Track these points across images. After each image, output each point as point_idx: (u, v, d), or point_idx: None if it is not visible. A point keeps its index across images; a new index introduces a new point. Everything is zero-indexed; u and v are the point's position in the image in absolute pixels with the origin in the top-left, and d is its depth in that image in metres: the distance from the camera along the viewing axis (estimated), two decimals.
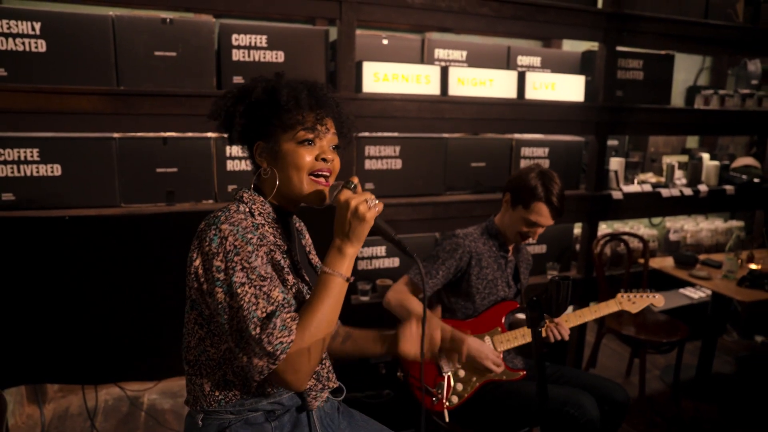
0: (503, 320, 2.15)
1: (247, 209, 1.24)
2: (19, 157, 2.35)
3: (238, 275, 1.10)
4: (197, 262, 1.14)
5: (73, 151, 2.41)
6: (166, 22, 2.47)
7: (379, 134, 2.88)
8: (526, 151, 3.16)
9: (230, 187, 2.67)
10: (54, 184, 2.40)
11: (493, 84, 2.96)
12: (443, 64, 3.00)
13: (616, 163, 3.38)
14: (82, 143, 2.42)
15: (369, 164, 2.87)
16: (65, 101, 2.29)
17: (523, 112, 3.01)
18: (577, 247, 3.45)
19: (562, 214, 2.06)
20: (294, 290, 1.23)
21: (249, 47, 2.61)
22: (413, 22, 2.75)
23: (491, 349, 2.06)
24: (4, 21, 2.25)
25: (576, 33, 3.11)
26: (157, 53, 2.48)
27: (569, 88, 3.12)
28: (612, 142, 3.66)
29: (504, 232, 2.17)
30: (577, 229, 3.52)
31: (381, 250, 2.99)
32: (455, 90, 2.91)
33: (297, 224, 1.48)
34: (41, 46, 2.32)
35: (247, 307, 1.09)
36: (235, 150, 2.67)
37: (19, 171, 2.36)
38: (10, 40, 2.27)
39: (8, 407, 2.66)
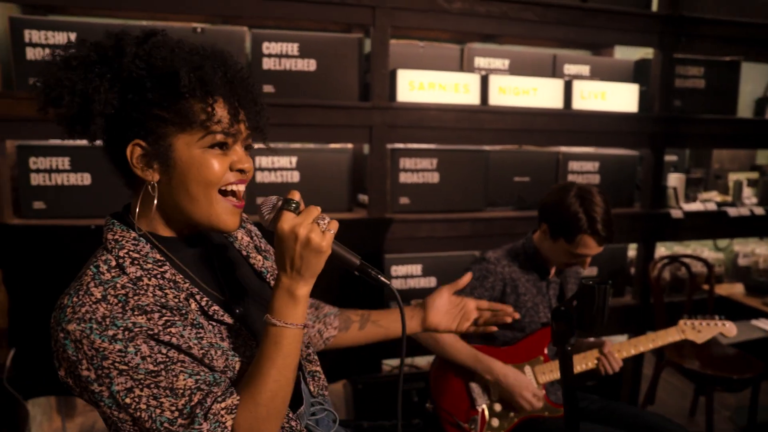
0: (546, 348, 1.92)
1: (113, 264, 0.90)
2: (50, 166, 2.35)
3: (117, 381, 0.82)
4: (62, 372, 0.87)
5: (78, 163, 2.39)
6: (197, 31, 2.44)
7: (415, 146, 2.75)
8: (573, 165, 2.94)
9: (258, 199, 2.59)
10: (83, 194, 2.38)
11: (537, 93, 2.78)
12: (483, 73, 2.84)
13: (675, 180, 3.10)
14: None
15: (404, 177, 2.73)
16: None
17: (569, 123, 2.81)
18: (632, 270, 3.16)
19: (611, 240, 1.80)
20: (212, 352, 0.91)
21: (280, 55, 2.54)
22: (450, 28, 2.62)
23: (530, 381, 1.83)
24: (45, 32, 2.27)
25: (628, 38, 2.89)
26: None
27: (621, 98, 2.90)
28: (670, 158, 3.38)
29: (545, 255, 1.92)
30: (632, 251, 3.24)
31: (416, 269, 2.81)
32: (496, 99, 2.74)
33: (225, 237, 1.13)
34: None
35: (148, 414, 0.83)
36: (265, 161, 2.59)
37: (50, 180, 2.35)
38: (46, 50, 2.29)
39: (36, 419, 2.62)
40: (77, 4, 2.36)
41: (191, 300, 0.94)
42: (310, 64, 2.58)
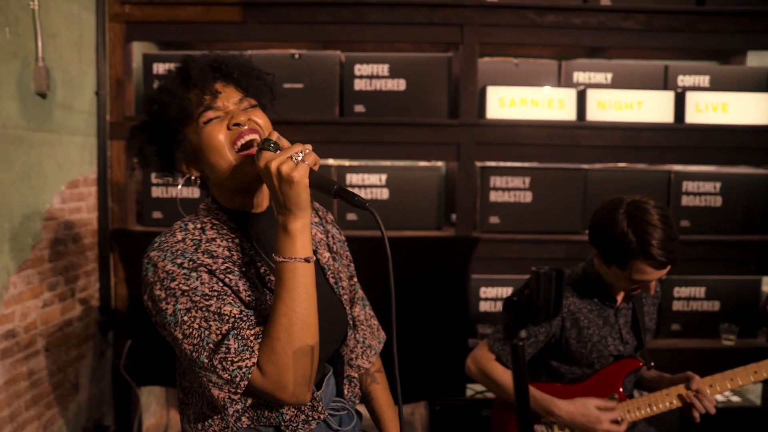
0: (621, 384, 1.72)
1: (198, 225, 1.06)
2: (167, 181, 2.65)
3: (180, 301, 0.96)
4: (145, 296, 1.02)
5: None
6: (295, 57, 2.63)
7: (508, 164, 2.67)
8: (689, 185, 2.64)
9: (348, 216, 2.68)
10: (193, 205, 2.64)
11: (642, 107, 2.56)
12: (581, 88, 2.69)
13: None
14: None
15: (494, 196, 2.65)
16: None
17: (681, 139, 2.54)
18: None
19: (675, 261, 1.53)
20: (258, 303, 1.02)
21: (371, 77, 2.64)
22: (543, 42, 2.53)
23: (599, 412, 1.64)
24: (167, 64, 2.60)
25: (753, 42, 2.56)
26: (286, 85, 2.63)
27: (746, 109, 2.56)
28: None
29: (608, 280, 1.69)
30: (766, 286, 2.80)
31: (507, 291, 2.70)
32: (594, 115, 2.58)
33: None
34: None
35: (198, 333, 0.94)
36: (356, 178, 2.68)
37: (167, 193, 2.65)
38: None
39: (149, 407, 2.92)
40: (199, 39, 2.67)
41: (251, 265, 1.06)
42: (399, 84, 2.64)
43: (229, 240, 1.05)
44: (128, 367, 2.52)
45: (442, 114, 2.64)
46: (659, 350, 2.50)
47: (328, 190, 0.94)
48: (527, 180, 2.64)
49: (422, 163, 2.74)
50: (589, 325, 1.70)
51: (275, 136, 0.99)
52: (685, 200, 2.64)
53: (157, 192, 2.63)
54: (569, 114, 2.58)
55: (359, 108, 2.65)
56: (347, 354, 1.22)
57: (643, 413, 1.67)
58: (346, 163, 2.74)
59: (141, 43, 2.76)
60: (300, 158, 0.93)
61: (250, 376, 0.93)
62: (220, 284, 0.99)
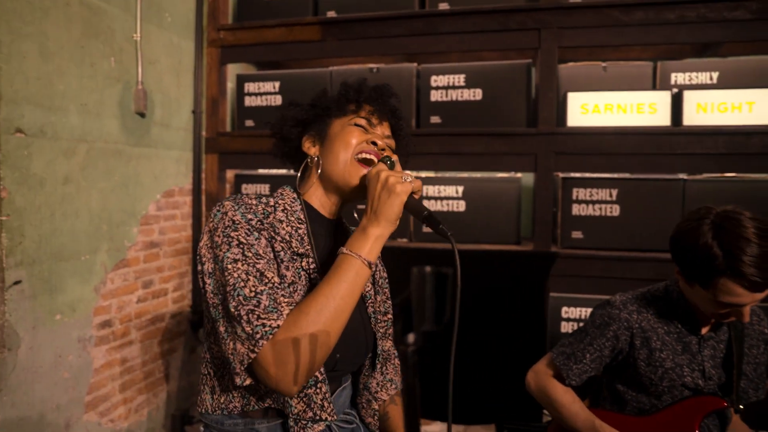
0: (698, 426, 1.49)
1: (272, 203, 1.10)
2: (261, 190, 2.85)
3: (233, 251, 0.98)
4: (202, 241, 1.04)
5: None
6: (373, 71, 2.69)
7: (593, 175, 2.48)
8: None
9: (425, 228, 2.66)
10: None
11: (753, 108, 2.23)
12: (676, 90, 2.42)
13: None
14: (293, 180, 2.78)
15: (577, 209, 2.48)
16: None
17: None
18: None
19: None
20: (294, 288, 1.03)
21: (447, 87, 2.62)
22: (630, 42, 2.32)
23: None
24: (258, 83, 2.81)
25: None
26: None
27: None
28: None
29: (693, 303, 1.48)
30: None
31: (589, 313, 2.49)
32: (693, 119, 2.30)
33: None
34: (278, 100, 2.80)
35: (234, 282, 0.95)
36: (432, 190, 2.66)
37: None
38: (259, 97, 2.82)
39: None
40: (285, 58, 2.84)
41: (304, 257, 1.08)
42: (476, 94, 2.59)
43: (293, 228, 1.09)
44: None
45: (520, 123, 2.53)
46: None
47: (418, 213, 1.01)
48: (614, 192, 2.43)
49: (501, 175, 2.64)
50: (662, 347, 1.50)
51: (395, 157, 1.09)
52: None
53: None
54: (662, 119, 2.33)
55: (435, 119, 2.64)
56: (373, 386, 1.24)
57: None
58: (422, 174, 2.73)
59: (236, 65, 3.01)
60: (408, 180, 1.00)
61: (270, 336, 0.93)
62: (273, 254, 1.03)
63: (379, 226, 0.99)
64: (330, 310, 0.95)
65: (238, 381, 0.96)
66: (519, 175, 2.65)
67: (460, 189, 2.65)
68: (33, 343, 1.87)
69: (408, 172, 1.02)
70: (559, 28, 2.35)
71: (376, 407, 1.25)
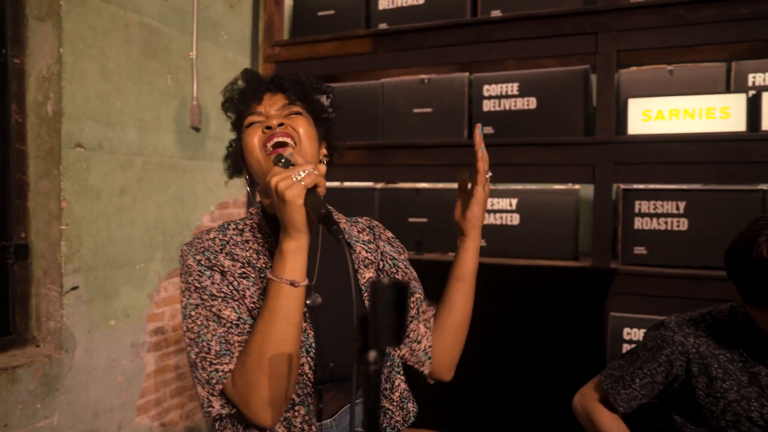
0: None
1: (240, 226, 1.10)
2: None
3: (192, 296, 1.00)
4: (180, 280, 1.08)
5: (342, 198, 2.79)
6: (424, 82, 2.66)
7: (658, 186, 2.30)
8: None
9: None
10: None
11: None
12: (755, 92, 2.20)
13: None
14: (347, 192, 2.78)
15: (639, 223, 2.31)
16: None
17: None
18: None
19: None
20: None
21: (500, 96, 2.54)
22: (698, 42, 2.15)
23: None
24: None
25: None
26: (415, 110, 2.68)
27: None
28: None
29: (762, 327, 1.32)
30: None
31: None
32: None
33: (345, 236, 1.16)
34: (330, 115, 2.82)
35: (198, 330, 0.97)
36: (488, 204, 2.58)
37: None
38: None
39: None
40: (337, 71, 2.86)
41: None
42: (530, 102, 2.49)
43: (261, 244, 1.07)
44: None
45: (578, 132, 2.40)
46: None
47: (316, 213, 0.89)
48: (682, 204, 2.24)
49: (557, 186, 2.52)
50: (725, 377, 1.35)
51: (288, 152, 0.97)
52: None
53: None
54: (737, 124, 2.13)
55: (488, 129, 2.56)
56: (381, 383, 1.12)
57: None
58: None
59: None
60: (300, 177, 0.90)
61: (224, 381, 0.95)
62: (230, 287, 1.00)
63: (290, 238, 0.92)
64: (270, 344, 0.91)
65: (212, 416, 1.00)
66: (577, 186, 2.51)
67: (514, 201, 2.55)
68: (88, 346, 1.97)
69: (306, 164, 0.91)
70: (618, 31, 2.22)
71: (394, 414, 1.13)
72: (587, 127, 2.40)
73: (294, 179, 0.89)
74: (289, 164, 0.94)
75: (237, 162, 1.13)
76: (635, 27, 2.19)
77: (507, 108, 2.53)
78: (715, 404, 1.36)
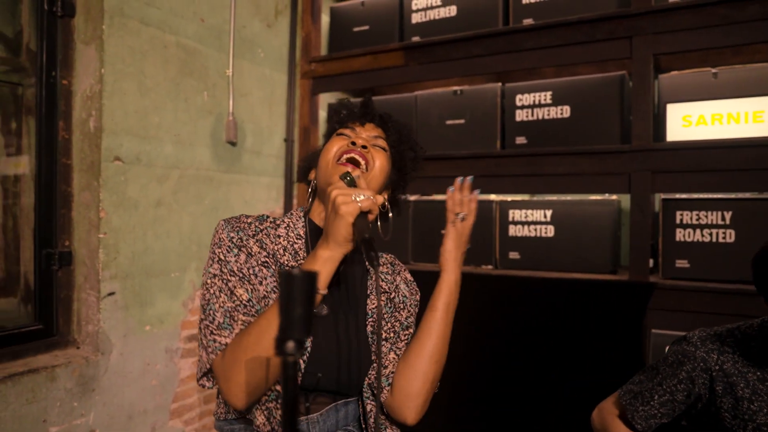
0: None
1: (278, 221, 1.17)
2: None
3: (214, 266, 1.06)
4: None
5: None
6: (456, 94, 2.65)
7: (701, 195, 2.17)
8: None
9: (511, 254, 2.52)
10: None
11: None
12: None
13: None
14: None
15: (681, 234, 2.18)
16: None
17: None
18: None
19: None
20: (269, 303, 1.07)
21: (533, 106, 2.49)
22: (743, 42, 2.02)
23: None
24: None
25: None
26: (448, 122, 2.66)
27: None
28: None
29: None
30: None
31: None
32: None
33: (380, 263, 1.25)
34: None
35: (209, 297, 1.04)
36: (518, 215, 2.53)
37: None
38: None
39: None
40: (371, 85, 2.89)
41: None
42: (563, 111, 2.42)
43: (291, 243, 1.13)
44: None
45: (614, 140, 2.31)
46: None
47: (360, 235, 0.95)
48: (728, 215, 2.10)
49: (594, 197, 2.42)
50: (752, 398, 1.26)
51: (356, 173, 1.06)
52: None
53: None
54: None
55: (521, 140, 2.51)
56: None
57: None
58: (509, 198, 2.59)
59: (330, 93, 3.13)
60: (358, 199, 0.96)
61: (219, 351, 1.00)
62: (250, 270, 1.07)
63: (328, 248, 0.97)
64: (272, 331, 0.93)
65: (199, 385, 1.05)
66: (615, 197, 2.41)
67: (549, 213, 2.47)
68: (124, 350, 2.07)
69: (368, 191, 0.97)
70: (654, 34, 2.12)
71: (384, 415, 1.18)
72: (623, 135, 2.31)
73: (354, 199, 0.96)
74: (352, 184, 1.04)
75: (310, 165, 1.25)
76: (672, 29, 2.09)
77: (540, 117, 2.47)
78: (743, 427, 1.26)
